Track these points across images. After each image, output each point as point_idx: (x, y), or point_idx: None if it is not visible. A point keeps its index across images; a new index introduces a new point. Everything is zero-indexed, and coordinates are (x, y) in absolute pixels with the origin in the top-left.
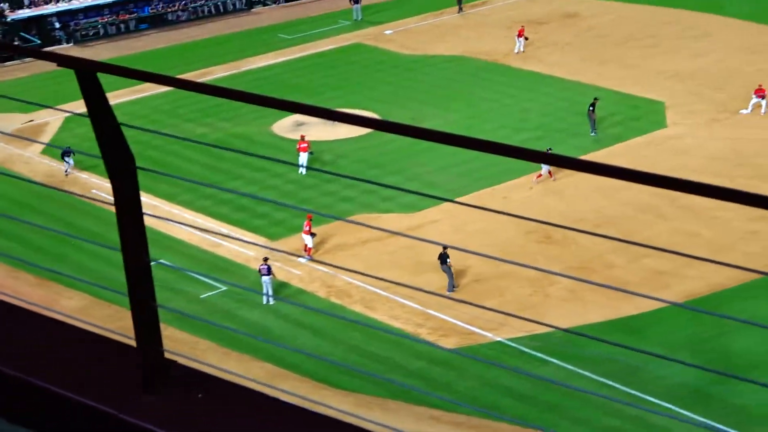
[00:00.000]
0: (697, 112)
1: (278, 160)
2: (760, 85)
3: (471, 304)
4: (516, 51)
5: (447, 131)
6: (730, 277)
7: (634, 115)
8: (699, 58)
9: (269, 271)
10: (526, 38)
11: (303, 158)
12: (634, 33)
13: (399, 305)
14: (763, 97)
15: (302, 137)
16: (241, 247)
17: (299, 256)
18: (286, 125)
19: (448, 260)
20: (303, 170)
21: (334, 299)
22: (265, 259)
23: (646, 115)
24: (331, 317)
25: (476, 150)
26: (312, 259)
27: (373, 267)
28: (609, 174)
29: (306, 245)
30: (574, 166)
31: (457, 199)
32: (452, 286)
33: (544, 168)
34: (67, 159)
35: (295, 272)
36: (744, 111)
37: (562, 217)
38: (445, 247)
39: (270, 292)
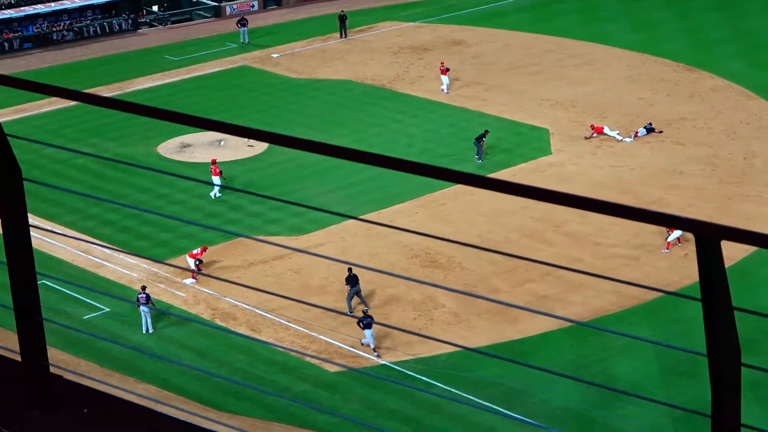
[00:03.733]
0: (579, 140)
1: (192, 179)
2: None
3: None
4: (446, 92)
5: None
6: (612, 303)
7: (519, 142)
8: (582, 86)
9: (147, 300)
10: (447, 69)
11: (216, 182)
12: (518, 60)
13: (284, 328)
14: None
15: (213, 161)
16: (124, 267)
17: (190, 270)
18: (172, 146)
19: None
20: (216, 193)
21: (219, 321)
22: (143, 288)
23: (531, 142)
24: (215, 338)
25: (390, 168)
26: (199, 274)
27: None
28: (515, 192)
29: (193, 270)
30: (484, 184)
31: (361, 217)
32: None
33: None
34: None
35: (179, 294)
36: (627, 139)
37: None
38: (350, 269)
39: (149, 322)
